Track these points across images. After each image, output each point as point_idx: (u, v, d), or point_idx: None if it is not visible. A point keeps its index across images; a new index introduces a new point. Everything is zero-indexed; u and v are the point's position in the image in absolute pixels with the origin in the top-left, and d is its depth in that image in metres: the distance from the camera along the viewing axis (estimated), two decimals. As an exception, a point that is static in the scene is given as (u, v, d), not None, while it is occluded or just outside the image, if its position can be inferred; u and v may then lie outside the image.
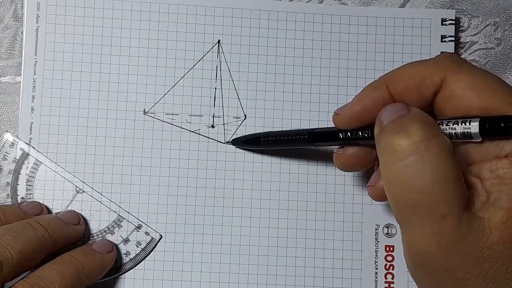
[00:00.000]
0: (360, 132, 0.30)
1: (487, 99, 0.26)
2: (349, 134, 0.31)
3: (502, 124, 0.25)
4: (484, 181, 0.26)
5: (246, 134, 0.38)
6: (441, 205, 0.25)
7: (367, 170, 0.37)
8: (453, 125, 0.27)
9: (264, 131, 0.38)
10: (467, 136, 0.27)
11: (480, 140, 0.26)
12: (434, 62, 0.28)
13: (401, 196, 0.26)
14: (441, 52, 0.39)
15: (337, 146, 0.33)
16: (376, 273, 0.38)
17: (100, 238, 0.37)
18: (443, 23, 0.39)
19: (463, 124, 0.27)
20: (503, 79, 0.27)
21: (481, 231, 0.25)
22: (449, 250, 0.25)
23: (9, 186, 0.37)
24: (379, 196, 0.31)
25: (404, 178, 0.25)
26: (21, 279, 0.31)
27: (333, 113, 0.31)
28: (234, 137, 0.38)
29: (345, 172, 0.38)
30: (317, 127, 0.35)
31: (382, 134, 0.27)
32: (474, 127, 0.26)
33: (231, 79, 0.39)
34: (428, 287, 0.27)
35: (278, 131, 0.36)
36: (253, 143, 0.38)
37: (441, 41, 0.39)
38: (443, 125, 0.27)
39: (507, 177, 0.25)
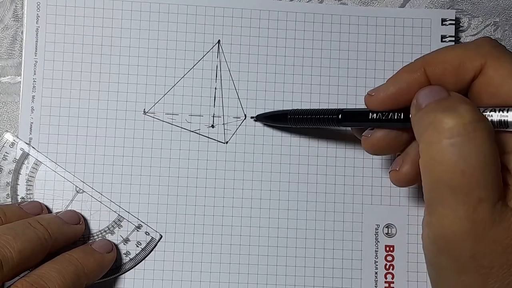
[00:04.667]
0: (392, 114, 0.30)
1: None
2: (380, 115, 0.30)
3: None
4: None
5: (273, 110, 0.38)
6: (480, 189, 0.25)
7: (369, 170, 0.37)
8: (490, 112, 0.26)
9: (288, 109, 0.37)
10: (503, 124, 0.26)
11: None
12: (474, 47, 0.28)
13: (440, 175, 0.26)
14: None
15: (364, 130, 0.32)
16: (376, 273, 0.38)
17: (100, 238, 0.37)
18: (443, 23, 0.39)
19: (501, 112, 0.26)
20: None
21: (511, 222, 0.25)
22: (479, 236, 0.25)
23: (9, 186, 0.37)
24: (402, 181, 0.31)
25: (448, 157, 0.25)
26: (21, 278, 0.31)
27: (366, 94, 0.30)
28: (234, 137, 0.38)
29: (345, 172, 0.38)
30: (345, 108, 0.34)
31: (427, 112, 0.26)
32: (511, 116, 0.26)
33: (231, 79, 0.39)
34: (447, 273, 0.27)
35: (306, 109, 0.36)
36: (279, 119, 0.37)
37: (441, 41, 0.39)
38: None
39: None
